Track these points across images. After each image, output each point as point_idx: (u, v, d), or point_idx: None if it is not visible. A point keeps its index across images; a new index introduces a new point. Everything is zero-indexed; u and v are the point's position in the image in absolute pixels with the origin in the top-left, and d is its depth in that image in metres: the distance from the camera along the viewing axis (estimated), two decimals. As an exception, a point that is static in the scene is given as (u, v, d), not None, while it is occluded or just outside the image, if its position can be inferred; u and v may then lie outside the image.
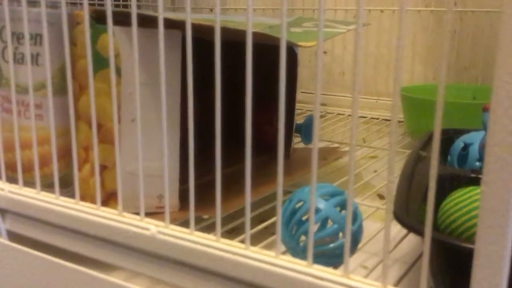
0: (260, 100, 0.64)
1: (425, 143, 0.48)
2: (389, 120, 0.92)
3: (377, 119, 0.93)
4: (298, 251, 0.35)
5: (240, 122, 0.58)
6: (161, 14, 0.31)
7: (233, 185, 0.52)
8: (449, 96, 0.82)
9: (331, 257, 0.36)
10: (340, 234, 0.36)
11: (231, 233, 0.48)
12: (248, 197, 0.31)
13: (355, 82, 0.26)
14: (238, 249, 0.31)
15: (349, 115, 0.97)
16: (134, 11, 0.32)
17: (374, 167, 0.70)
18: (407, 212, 0.31)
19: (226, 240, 0.32)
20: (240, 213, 0.49)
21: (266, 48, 0.52)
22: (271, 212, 0.49)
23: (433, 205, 0.24)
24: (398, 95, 0.25)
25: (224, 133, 0.51)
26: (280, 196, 0.30)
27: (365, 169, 0.68)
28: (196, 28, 0.31)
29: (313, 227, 0.29)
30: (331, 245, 0.35)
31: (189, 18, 0.30)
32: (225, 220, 0.46)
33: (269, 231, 0.47)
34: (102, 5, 0.94)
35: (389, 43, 0.98)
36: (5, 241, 0.43)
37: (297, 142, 0.72)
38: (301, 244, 0.36)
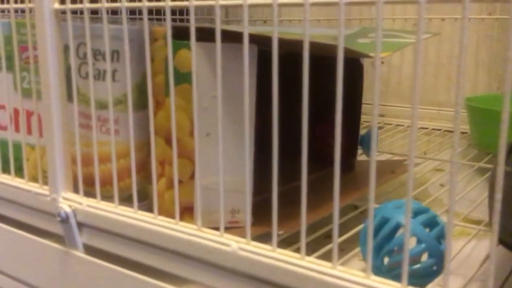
0: (325, 112, 0.63)
1: (506, 157, 0.45)
2: (452, 132, 0.89)
3: (439, 130, 0.90)
4: (382, 271, 0.34)
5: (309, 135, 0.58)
6: (246, 28, 0.31)
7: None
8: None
9: (415, 278, 0.34)
10: (425, 254, 0.34)
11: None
12: (337, 213, 0.30)
13: (458, 98, 0.25)
14: (325, 268, 0.30)
15: (409, 126, 0.94)
16: (218, 26, 0.32)
17: (440, 181, 0.67)
18: (507, 233, 0.29)
19: (311, 258, 0.32)
20: (310, 228, 0.48)
21: (330, 59, 0.51)
22: (341, 229, 0.47)
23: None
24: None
25: (289, 146, 0.51)
26: (371, 216, 0.29)
27: (432, 184, 0.65)
28: (279, 42, 0.31)
29: (408, 247, 0.28)
30: (418, 265, 0.33)
31: (276, 32, 0.29)
32: (294, 236, 0.45)
33: (339, 247, 0.46)
34: (161, 19, 0.96)
35: (450, 52, 0.95)
36: (81, 254, 0.43)
37: (359, 154, 0.71)
38: (386, 263, 0.34)
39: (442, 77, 0.97)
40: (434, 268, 0.34)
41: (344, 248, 0.46)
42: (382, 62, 1.04)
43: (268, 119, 0.40)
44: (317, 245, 0.43)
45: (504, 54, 0.91)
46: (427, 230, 0.35)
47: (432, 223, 0.35)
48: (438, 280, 0.40)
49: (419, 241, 0.34)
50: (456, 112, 0.25)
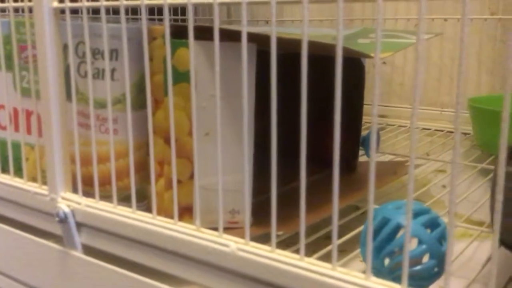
0: (324, 113, 0.63)
1: (508, 158, 0.45)
2: (455, 133, 0.88)
3: (442, 131, 0.90)
4: (383, 272, 0.34)
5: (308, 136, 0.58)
6: (245, 27, 0.31)
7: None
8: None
9: (416, 279, 0.34)
10: (426, 256, 0.34)
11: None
12: (336, 213, 0.29)
13: (459, 97, 0.25)
14: (324, 269, 0.30)
15: (411, 127, 0.94)
16: (216, 25, 0.32)
17: (442, 182, 0.67)
18: (508, 234, 0.29)
19: (311, 259, 0.31)
20: (311, 229, 0.47)
21: (332, 59, 0.51)
22: (342, 230, 0.47)
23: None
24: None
25: (289, 146, 0.50)
26: (370, 216, 0.28)
27: (434, 185, 0.65)
28: (279, 41, 0.30)
29: (408, 248, 0.28)
30: (419, 267, 0.33)
31: (274, 31, 0.29)
32: (294, 238, 0.45)
33: (339, 248, 0.46)
34: (161, 19, 0.96)
35: (453, 53, 0.95)
36: (80, 254, 0.43)
37: (361, 155, 0.70)
38: (386, 264, 0.34)
39: (445, 78, 0.96)
40: (435, 269, 0.34)
41: (345, 249, 0.46)
42: (384, 63, 1.03)
43: (270, 119, 0.40)
44: (318, 246, 0.43)
45: (507, 54, 0.90)
46: (428, 231, 0.34)
47: (433, 224, 0.34)
48: (439, 281, 0.39)
49: (420, 242, 0.33)
50: (456, 111, 0.24)
